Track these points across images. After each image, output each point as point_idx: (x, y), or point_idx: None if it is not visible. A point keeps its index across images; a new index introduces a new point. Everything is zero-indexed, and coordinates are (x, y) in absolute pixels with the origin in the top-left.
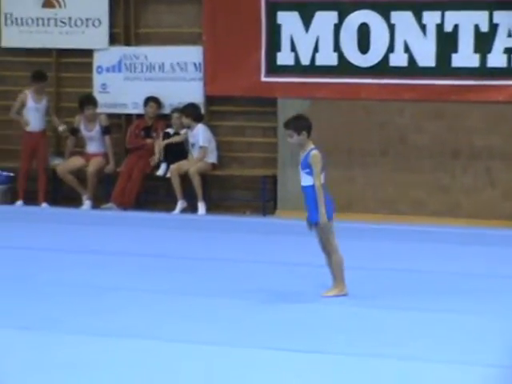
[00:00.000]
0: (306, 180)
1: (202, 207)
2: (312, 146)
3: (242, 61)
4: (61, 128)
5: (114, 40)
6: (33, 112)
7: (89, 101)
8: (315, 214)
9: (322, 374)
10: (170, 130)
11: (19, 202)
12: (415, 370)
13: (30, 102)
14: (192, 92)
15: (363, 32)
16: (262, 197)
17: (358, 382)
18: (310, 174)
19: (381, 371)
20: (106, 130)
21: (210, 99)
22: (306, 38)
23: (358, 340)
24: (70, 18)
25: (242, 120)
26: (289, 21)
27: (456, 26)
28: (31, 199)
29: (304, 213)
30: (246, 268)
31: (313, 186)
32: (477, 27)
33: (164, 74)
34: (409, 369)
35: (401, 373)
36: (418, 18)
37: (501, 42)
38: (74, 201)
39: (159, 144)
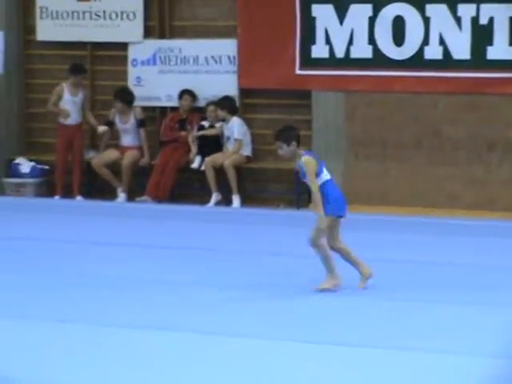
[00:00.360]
0: None
1: (236, 200)
2: (302, 152)
3: (277, 53)
4: (100, 130)
5: (148, 33)
6: (69, 105)
7: (119, 96)
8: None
9: (347, 367)
10: (205, 123)
11: (57, 197)
12: (441, 363)
13: (67, 95)
14: (226, 85)
15: (398, 25)
16: (295, 190)
17: (382, 375)
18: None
19: (406, 364)
20: (140, 123)
21: (244, 92)
22: (341, 31)
23: (385, 333)
24: (104, 12)
25: (276, 113)
26: (323, 13)
27: (491, 19)
28: (66, 192)
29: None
30: (280, 261)
31: (322, 184)
32: None
33: (198, 67)
34: (434, 361)
35: (425, 365)
36: (453, 11)
37: None
38: (108, 194)
39: (192, 135)
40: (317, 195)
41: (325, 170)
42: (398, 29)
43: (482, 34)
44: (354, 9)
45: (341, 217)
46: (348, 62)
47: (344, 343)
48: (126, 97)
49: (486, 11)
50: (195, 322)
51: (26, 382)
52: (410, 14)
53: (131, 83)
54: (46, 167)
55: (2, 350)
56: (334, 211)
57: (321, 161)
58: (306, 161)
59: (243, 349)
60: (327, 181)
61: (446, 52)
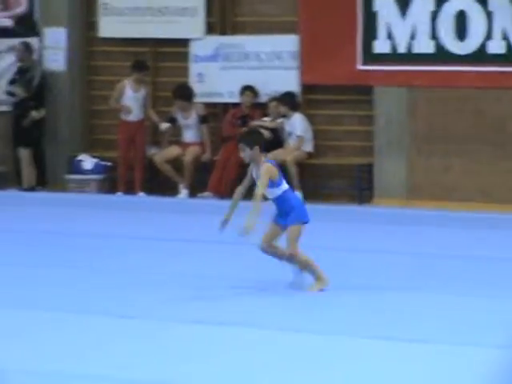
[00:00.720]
0: (273, 192)
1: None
2: (264, 160)
3: (338, 49)
4: (163, 126)
5: (210, 29)
6: (131, 101)
7: (177, 94)
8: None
9: (409, 363)
10: (267, 119)
11: (119, 193)
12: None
13: (129, 92)
14: (288, 81)
15: (461, 19)
16: (357, 185)
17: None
18: (272, 185)
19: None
20: (202, 119)
21: (306, 88)
22: (403, 26)
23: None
24: (166, 8)
25: (337, 108)
26: (385, 8)
27: None
28: (128, 188)
29: (400, 201)
30: (340, 256)
31: (283, 193)
32: None
33: (260, 63)
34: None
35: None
36: None
37: None
38: (170, 190)
39: (252, 124)
40: (258, 200)
41: (284, 181)
42: (461, 23)
43: None
44: (416, 3)
45: (306, 222)
46: (410, 57)
47: (400, 338)
48: (184, 94)
49: None
50: (265, 319)
51: (89, 378)
52: (473, 9)
53: (193, 79)
54: (109, 164)
55: (66, 344)
56: (301, 218)
57: (280, 172)
58: (266, 167)
59: (311, 345)
60: (288, 189)
61: (510, 46)
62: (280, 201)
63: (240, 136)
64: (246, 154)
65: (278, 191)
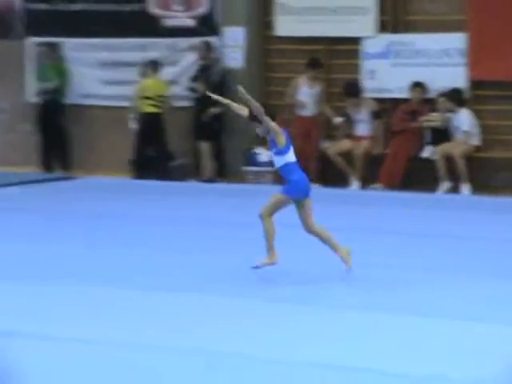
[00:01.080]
0: (279, 160)
1: (465, 188)
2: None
3: (505, 46)
4: (336, 121)
5: (382, 27)
6: (306, 97)
7: (345, 91)
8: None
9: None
10: (435, 114)
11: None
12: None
13: (304, 88)
14: (456, 77)
15: None
16: None
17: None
18: (278, 153)
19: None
20: (376, 115)
21: (474, 84)
22: None
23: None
24: (340, 7)
25: (505, 104)
26: None
27: None
28: None
29: None
30: (508, 247)
31: (288, 164)
32: None
33: (429, 60)
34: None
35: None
36: None
37: None
38: (342, 181)
39: (421, 120)
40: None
41: (291, 152)
42: None
43: None
44: None
45: (300, 199)
46: None
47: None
48: (352, 91)
49: None
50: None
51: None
52: None
53: (364, 76)
54: None
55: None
56: (290, 191)
57: (290, 140)
58: (279, 128)
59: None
60: (294, 163)
61: None
62: (283, 171)
63: (251, 116)
64: (259, 129)
65: (283, 159)
